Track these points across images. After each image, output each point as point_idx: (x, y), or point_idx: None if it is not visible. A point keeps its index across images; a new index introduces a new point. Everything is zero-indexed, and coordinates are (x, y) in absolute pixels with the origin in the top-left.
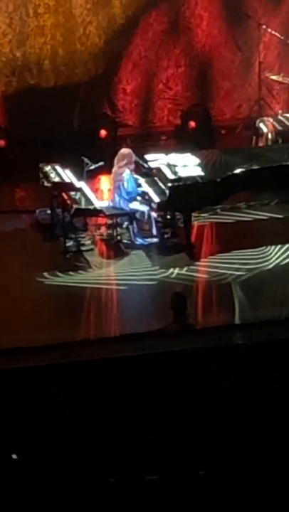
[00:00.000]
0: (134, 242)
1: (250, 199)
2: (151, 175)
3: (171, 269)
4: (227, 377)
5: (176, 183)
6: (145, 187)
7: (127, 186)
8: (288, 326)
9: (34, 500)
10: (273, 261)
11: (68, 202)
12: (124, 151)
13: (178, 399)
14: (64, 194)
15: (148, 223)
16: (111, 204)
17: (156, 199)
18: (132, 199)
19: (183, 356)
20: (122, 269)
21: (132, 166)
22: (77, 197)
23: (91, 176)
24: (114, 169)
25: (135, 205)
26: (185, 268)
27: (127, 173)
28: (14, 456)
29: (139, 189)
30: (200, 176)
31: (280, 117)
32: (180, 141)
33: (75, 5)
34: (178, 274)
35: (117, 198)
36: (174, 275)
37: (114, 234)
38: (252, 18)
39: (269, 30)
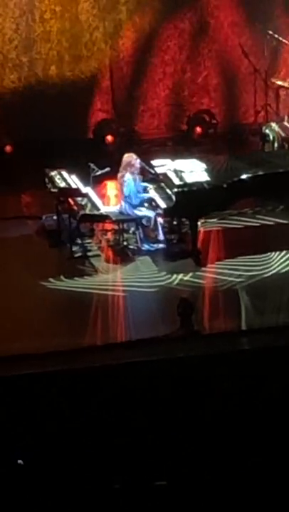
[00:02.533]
0: (140, 247)
1: (256, 205)
2: (158, 181)
3: (177, 275)
4: (233, 383)
5: (182, 189)
6: (152, 193)
7: (126, 190)
8: None
9: (40, 507)
10: (279, 267)
11: (74, 208)
12: (127, 155)
13: (184, 405)
14: (70, 200)
15: (154, 229)
16: (118, 210)
17: (162, 205)
18: (133, 203)
19: (189, 362)
20: (129, 275)
21: (135, 170)
22: (83, 203)
23: (97, 182)
24: (118, 174)
25: (142, 211)
26: (190, 274)
27: (128, 177)
28: (20, 462)
29: (146, 195)
30: (206, 182)
31: (286, 123)
32: (186, 146)
33: (82, 10)
34: (184, 280)
35: (123, 204)
36: (178, 281)
37: (121, 240)
38: (259, 24)
39: (276, 36)
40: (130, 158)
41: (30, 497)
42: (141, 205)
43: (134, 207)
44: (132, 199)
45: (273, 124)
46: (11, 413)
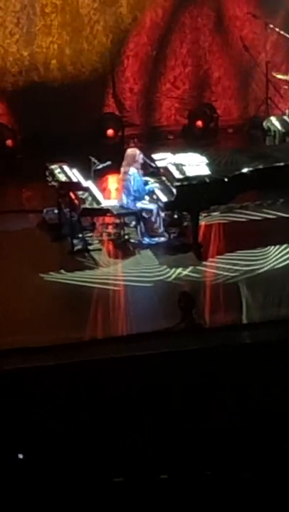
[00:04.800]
0: (141, 241)
1: (257, 198)
2: (159, 174)
3: (178, 269)
4: (235, 376)
5: (183, 183)
6: (152, 186)
7: (134, 184)
8: None
9: (41, 500)
10: (280, 260)
11: (76, 201)
12: (131, 150)
13: (185, 397)
14: (71, 193)
15: (156, 222)
16: (119, 203)
17: (163, 198)
18: (141, 197)
19: (190, 355)
20: (129, 269)
21: (139, 165)
22: (84, 196)
23: (98, 176)
24: (121, 169)
25: (143, 204)
26: (191, 268)
27: (133, 171)
28: (20, 456)
29: (147, 187)
30: (207, 176)
31: (285, 117)
32: (187, 140)
33: (82, 4)
34: (185, 273)
35: (124, 198)
36: (179, 275)
37: (122, 233)
38: (259, 18)
39: (276, 29)
40: (134, 152)
41: (31, 490)
42: (143, 197)
43: (140, 200)
44: (141, 193)
45: (273, 119)
46: (11, 407)
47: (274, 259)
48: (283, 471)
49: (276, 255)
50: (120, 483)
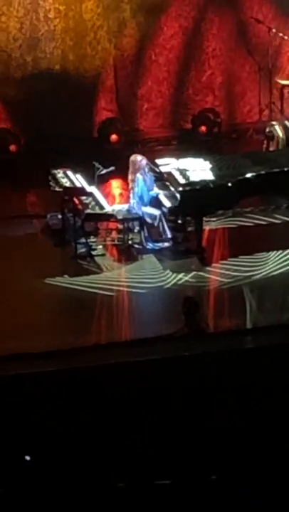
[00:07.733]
0: (145, 246)
1: (261, 203)
2: (163, 179)
3: (182, 274)
4: (237, 380)
5: (187, 188)
6: (156, 191)
7: (138, 191)
8: None
9: (45, 502)
10: (283, 264)
11: (79, 207)
12: (134, 157)
13: (188, 402)
14: (75, 199)
15: (160, 227)
16: (127, 208)
17: (167, 203)
18: (144, 203)
19: (193, 360)
20: (133, 274)
21: (143, 170)
22: (88, 201)
23: (102, 181)
24: (129, 176)
25: (147, 209)
26: (195, 273)
27: (137, 177)
28: (27, 458)
29: (151, 193)
30: (211, 181)
31: (287, 123)
32: (191, 145)
33: (86, 9)
34: (188, 278)
35: (133, 202)
36: (182, 279)
37: (126, 238)
38: (262, 23)
39: (280, 34)
40: (135, 159)
41: (36, 492)
42: (151, 203)
43: (145, 205)
44: (144, 198)
45: (276, 124)
46: (12, 412)
47: (278, 263)
48: (283, 471)
49: (279, 260)
50: (122, 487)
